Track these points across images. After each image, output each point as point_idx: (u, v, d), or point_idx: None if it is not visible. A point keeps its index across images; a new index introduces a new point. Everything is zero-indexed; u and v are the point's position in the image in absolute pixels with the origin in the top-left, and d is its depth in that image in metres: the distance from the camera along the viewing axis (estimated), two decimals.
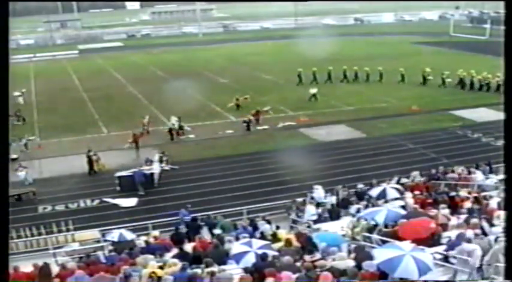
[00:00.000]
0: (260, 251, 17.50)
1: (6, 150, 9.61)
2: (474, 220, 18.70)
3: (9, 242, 9.45)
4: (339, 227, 22.11)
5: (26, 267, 20.18)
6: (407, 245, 15.35)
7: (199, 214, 27.56)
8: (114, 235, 24.49)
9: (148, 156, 40.11)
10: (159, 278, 16.18)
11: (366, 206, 24.62)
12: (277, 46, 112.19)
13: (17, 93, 61.89)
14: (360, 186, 29.21)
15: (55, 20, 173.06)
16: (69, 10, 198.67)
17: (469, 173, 29.49)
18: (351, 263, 15.77)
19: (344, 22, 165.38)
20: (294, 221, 26.36)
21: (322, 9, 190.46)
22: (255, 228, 23.55)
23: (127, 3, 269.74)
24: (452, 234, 17.84)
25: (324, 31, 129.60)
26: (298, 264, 16.51)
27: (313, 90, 58.88)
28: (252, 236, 21.55)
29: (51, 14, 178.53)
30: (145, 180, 36.26)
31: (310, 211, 25.91)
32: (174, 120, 48.89)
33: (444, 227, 19.51)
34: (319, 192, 28.37)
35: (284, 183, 34.27)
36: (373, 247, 17.85)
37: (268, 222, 24.71)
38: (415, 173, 29.46)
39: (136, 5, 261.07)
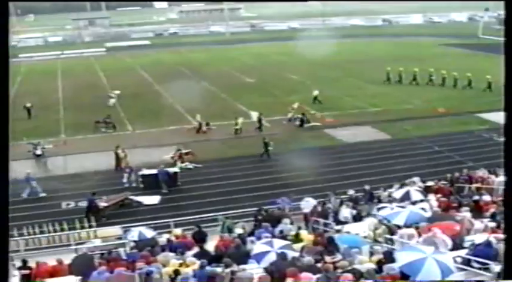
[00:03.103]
0: (281, 251, 17.49)
1: (6, 150, 9.62)
2: (497, 224, 18.51)
3: (9, 242, 9.45)
4: (361, 228, 21.94)
5: (48, 262, 20.38)
6: (428, 248, 15.24)
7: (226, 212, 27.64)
8: (133, 234, 24.50)
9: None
10: (178, 274, 16.10)
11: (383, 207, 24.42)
12: (304, 46, 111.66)
13: (111, 95, 61.30)
14: (351, 192, 28.95)
15: (83, 18, 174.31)
16: (97, 8, 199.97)
17: (496, 176, 29.12)
18: (371, 265, 15.69)
19: (372, 23, 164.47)
20: (316, 222, 26.17)
21: (350, 9, 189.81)
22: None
23: (155, 2, 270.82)
24: (475, 238, 17.63)
25: (351, 32, 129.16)
26: (319, 265, 16.35)
27: (315, 92, 58.25)
28: (273, 236, 21.40)
29: (80, 12, 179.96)
30: (169, 178, 36.39)
31: (344, 213, 25.64)
32: (254, 114, 48.99)
33: (468, 231, 19.33)
34: (309, 204, 28.06)
35: (306, 184, 33.90)
36: (394, 249, 17.69)
37: (291, 222, 24.61)
38: (416, 179, 28.94)
39: (164, 3, 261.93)
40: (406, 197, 25.10)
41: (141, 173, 37.11)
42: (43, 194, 35.83)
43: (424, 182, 29.27)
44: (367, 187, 29.13)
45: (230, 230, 25.23)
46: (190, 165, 40.07)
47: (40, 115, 55.13)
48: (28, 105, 55.41)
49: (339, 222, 24.69)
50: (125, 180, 37.00)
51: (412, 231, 19.19)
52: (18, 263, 21.35)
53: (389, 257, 16.06)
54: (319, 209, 27.08)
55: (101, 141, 46.61)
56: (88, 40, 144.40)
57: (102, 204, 31.93)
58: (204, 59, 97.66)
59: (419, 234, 18.76)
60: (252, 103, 56.96)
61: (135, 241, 23.67)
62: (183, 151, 41.14)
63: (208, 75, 77.11)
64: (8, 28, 9.11)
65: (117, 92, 62.41)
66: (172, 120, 51.73)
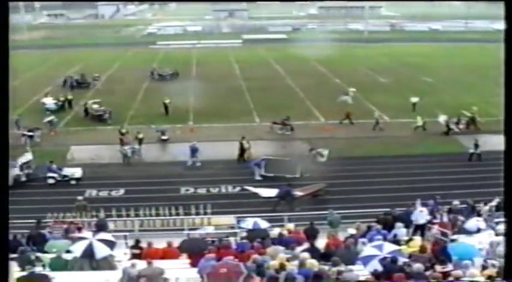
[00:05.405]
0: (391, 255, 17.22)
1: (6, 149, 9.60)
2: None
3: (8, 242, 9.53)
4: (478, 240, 20.86)
5: (159, 244, 20.90)
6: None
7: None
8: (248, 223, 24.65)
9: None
10: (284, 268, 16.04)
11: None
12: (444, 49, 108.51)
13: (349, 92, 59.24)
14: (455, 202, 27.55)
15: (224, 9, 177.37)
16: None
17: None
18: (481, 279, 15.20)
19: None
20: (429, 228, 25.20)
21: (496, 13, 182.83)
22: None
23: None
24: None
25: (495, 36, 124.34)
26: (428, 273, 16.08)
27: (414, 99, 55.38)
28: (385, 239, 21.05)
29: (221, 2, 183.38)
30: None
31: (470, 224, 24.56)
32: (442, 118, 48.21)
33: None
34: (423, 215, 26.64)
35: (416, 190, 32.07)
36: None
37: (406, 226, 23.85)
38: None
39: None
40: None
41: (266, 157, 37.80)
42: (198, 164, 39.13)
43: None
44: (470, 200, 27.76)
45: (331, 224, 25.34)
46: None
47: (172, 102, 55.88)
48: (167, 101, 54.12)
49: (457, 232, 23.66)
50: (256, 175, 37.13)
51: None
52: (131, 242, 21.91)
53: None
54: (437, 216, 26.09)
55: (226, 131, 47.37)
56: (226, 31, 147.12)
57: (298, 193, 32.23)
58: (339, 57, 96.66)
59: None
60: (382, 103, 55.69)
61: (247, 231, 23.85)
62: (319, 151, 40.70)
63: (342, 73, 76.39)
64: (8, 28, 9.12)
65: (353, 89, 59.81)
66: (300, 115, 51.36)
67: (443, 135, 46.57)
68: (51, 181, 35.80)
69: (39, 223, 25.32)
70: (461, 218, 25.24)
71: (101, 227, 24.73)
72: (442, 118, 47.73)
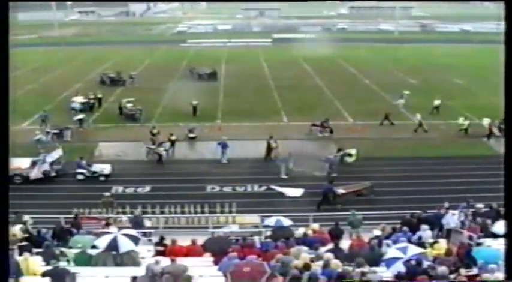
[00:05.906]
0: (416, 258, 17.10)
1: (6, 148, 9.67)
2: None
3: (8, 240, 9.60)
4: (503, 244, 20.59)
5: (184, 242, 20.91)
6: None
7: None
8: (271, 220, 24.72)
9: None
10: (308, 268, 16.02)
11: None
12: (475, 50, 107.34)
13: (404, 92, 58.25)
14: (479, 205, 27.12)
15: (254, 8, 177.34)
16: None
17: None
18: None
19: None
20: (457, 232, 24.93)
21: None
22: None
23: None
24: None
25: None
26: (452, 276, 16.02)
27: (437, 102, 54.53)
28: (410, 241, 20.76)
29: (251, 1, 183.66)
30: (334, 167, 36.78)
31: (498, 227, 24.30)
32: (486, 121, 47.38)
33: None
34: (454, 219, 26.34)
35: (444, 193, 31.96)
36: None
37: (431, 229, 23.70)
38: None
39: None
40: None
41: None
42: (225, 161, 39.70)
43: None
44: (494, 204, 27.42)
45: (352, 224, 25.43)
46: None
47: (200, 100, 55.90)
48: (195, 103, 52.81)
49: (484, 235, 23.43)
50: (282, 173, 37.11)
51: None
52: (155, 239, 22.04)
53: None
54: (464, 220, 25.82)
55: (254, 130, 47.37)
56: (256, 30, 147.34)
57: (340, 191, 32.24)
58: (369, 57, 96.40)
59: None
60: (410, 105, 55.15)
61: (272, 230, 23.76)
62: (346, 151, 40.46)
63: (371, 73, 75.99)
64: (8, 28, 9.18)
65: (407, 92, 58.69)
66: (329, 116, 51.05)
67: (472, 137, 46.20)
68: (80, 177, 36.14)
69: (76, 218, 25.59)
70: (489, 221, 24.98)
71: (136, 224, 24.95)
72: (486, 121, 47.17)
